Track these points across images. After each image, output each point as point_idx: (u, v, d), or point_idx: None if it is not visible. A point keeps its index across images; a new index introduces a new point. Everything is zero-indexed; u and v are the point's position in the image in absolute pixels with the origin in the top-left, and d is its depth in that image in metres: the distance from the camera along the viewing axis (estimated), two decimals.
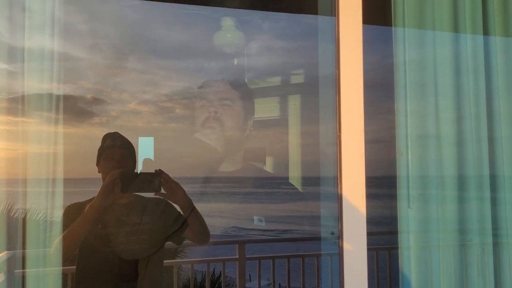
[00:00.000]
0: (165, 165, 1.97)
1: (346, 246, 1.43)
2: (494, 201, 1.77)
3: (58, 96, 1.48)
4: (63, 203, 1.53)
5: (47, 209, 1.47)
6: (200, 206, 2.04)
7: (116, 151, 1.98)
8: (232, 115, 2.08)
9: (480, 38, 1.79)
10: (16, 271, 1.88)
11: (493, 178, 1.77)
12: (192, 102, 2.14)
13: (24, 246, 1.47)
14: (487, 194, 1.75)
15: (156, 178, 1.91)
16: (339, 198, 1.44)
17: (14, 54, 1.48)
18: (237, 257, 3.69)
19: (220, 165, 2.16)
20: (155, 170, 1.93)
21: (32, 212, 1.48)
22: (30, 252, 1.45)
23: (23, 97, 1.47)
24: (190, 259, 4.32)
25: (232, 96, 2.11)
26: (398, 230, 1.64)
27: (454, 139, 1.74)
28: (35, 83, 1.48)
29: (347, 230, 1.43)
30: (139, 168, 2.03)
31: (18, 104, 1.46)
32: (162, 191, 1.94)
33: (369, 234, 1.47)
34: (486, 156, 1.76)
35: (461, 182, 1.73)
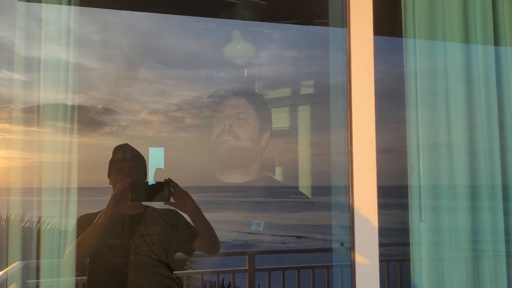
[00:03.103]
0: (175, 174, 1.98)
1: (358, 258, 1.42)
2: (507, 212, 1.75)
3: (72, 106, 1.50)
4: (76, 212, 1.54)
5: (61, 218, 1.49)
6: (209, 215, 2.04)
7: (126, 163, 2.00)
8: (246, 128, 2.10)
9: (491, 48, 1.78)
10: (28, 281, 1.89)
11: (506, 188, 1.75)
12: (201, 112, 2.17)
13: (37, 256, 1.47)
14: (500, 204, 1.73)
15: (165, 187, 1.92)
16: (350, 211, 1.44)
17: (29, 65, 1.51)
18: (247, 268, 3.67)
19: (233, 176, 2.18)
20: (164, 179, 1.94)
21: (45, 222, 1.49)
22: (43, 262, 1.46)
23: (37, 107, 1.49)
24: (199, 270, 4.31)
25: (248, 110, 2.13)
26: (410, 241, 1.63)
27: (466, 149, 1.73)
28: (49, 93, 1.51)
29: (359, 243, 1.42)
30: (150, 178, 2.04)
31: (32, 114, 1.48)
32: (171, 200, 1.94)
33: (379, 245, 1.45)
34: (498, 166, 1.74)
35: (474, 192, 1.71)
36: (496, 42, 1.79)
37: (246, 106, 2.14)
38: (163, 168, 2.04)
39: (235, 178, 2.17)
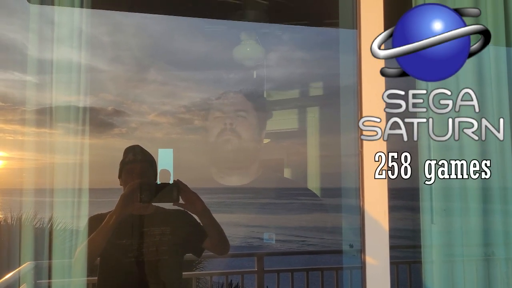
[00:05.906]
0: (183, 175, 1.98)
1: (369, 260, 1.42)
2: None
3: (83, 108, 1.51)
4: (88, 213, 1.55)
5: (73, 219, 1.50)
6: (218, 217, 2.04)
7: (137, 164, 2.01)
8: (247, 126, 2.10)
9: (502, 49, 1.77)
10: (39, 281, 1.90)
11: None
12: (210, 114, 2.16)
13: (48, 256, 1.49)
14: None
15: (175, 189, 1.93)
16: (361, 213, 1.43)
17: (41, 67, 1.52)
18: (256, 269, 3.67)
19: (233, 179, 2.17)
20: (174, 181, 1.94)
21: (57, 222, 1.51)
22: (54, 262, 1.47)
23: (49, 108, 1.50)
24: (208, 271, 4.31)
25: (247, 107, 2.13)
26: (421, 244, 1.62)
27: (478, 150, 1.71)
28: (61, 95, 1.52)
29: (370, 245, 1.42)
30: (158, 180, 2.05)
31: (44, 115, 1.49)
32: (181, 201, 1.95)
33: (390, 247, 1.45)
34: (510, 167, 1.72)
35: (485, 194, 1.70)
36: (508, 43, 1.77)
37: (244, 103, 2.14)
38: (168, 169, 2.04)
39: (235, 181, 2.17)
